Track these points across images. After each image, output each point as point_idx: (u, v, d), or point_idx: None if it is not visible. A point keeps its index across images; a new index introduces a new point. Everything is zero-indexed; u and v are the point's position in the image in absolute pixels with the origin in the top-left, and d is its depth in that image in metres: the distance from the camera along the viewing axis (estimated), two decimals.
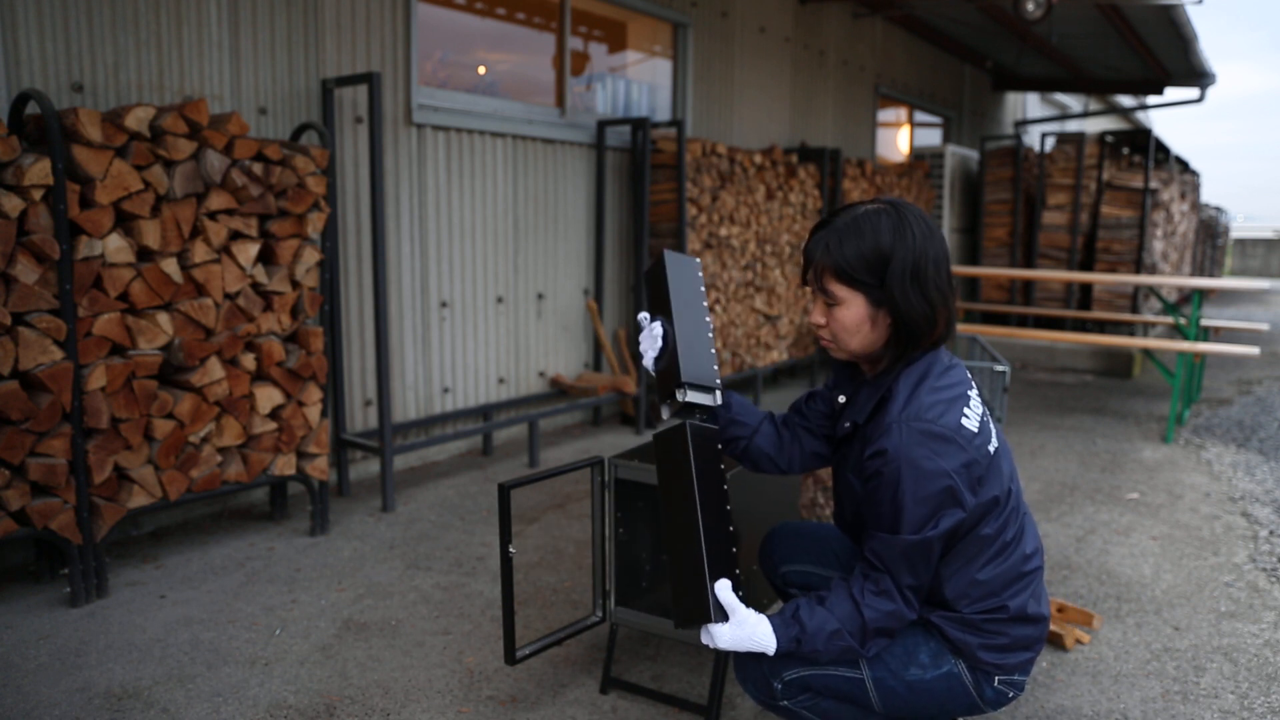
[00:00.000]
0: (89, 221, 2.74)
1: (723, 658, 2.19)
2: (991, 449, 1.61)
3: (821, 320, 1.65)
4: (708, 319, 1.85)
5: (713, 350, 1.82)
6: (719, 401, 1.80)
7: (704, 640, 1.58)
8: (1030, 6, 6.33)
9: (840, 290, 1.59)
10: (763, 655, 1.64)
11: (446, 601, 2.90)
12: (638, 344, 5.38)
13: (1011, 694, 1.71)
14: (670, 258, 1.84)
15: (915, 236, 1.55)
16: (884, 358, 1.64)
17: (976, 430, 1.56)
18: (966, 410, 1.57)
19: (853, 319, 1.60)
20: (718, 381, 1.81)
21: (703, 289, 1.87)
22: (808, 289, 1.68)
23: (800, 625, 1.57)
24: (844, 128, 8.12)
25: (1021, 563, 1.66)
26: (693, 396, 1.75)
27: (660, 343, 1.78)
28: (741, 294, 6.04)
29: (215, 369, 3.06)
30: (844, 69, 8.01)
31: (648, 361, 1.81)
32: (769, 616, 1.59)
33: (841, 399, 1.77)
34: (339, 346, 3.90)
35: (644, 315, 1.83)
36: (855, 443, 1.70)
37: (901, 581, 1.56)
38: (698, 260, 1.90)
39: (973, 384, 1.66)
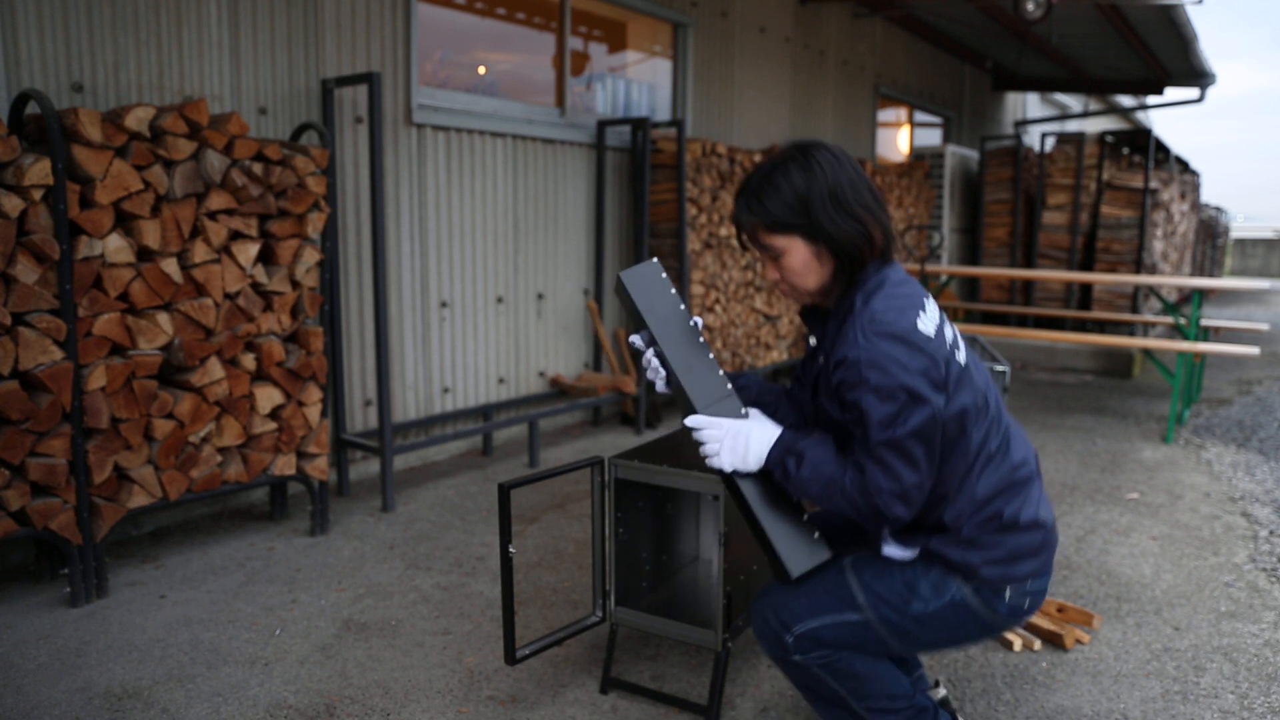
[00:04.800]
0: (89, 221, 2.74)
1: (723, 658, 2.19)
2: (960, 359, 1.66)
3: (775, 275, 1.73)
4: (691, 322, 1.83)
5: (709, 355, 1.82)
6: (742, 413, 1.79)
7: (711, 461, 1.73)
8: (1030, 6, 6.33)
9: (777, 240, 1.67)
10: (777, 608, 1.74)
11: (446, 601, 2.90)
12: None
13: (1028, 603, 1.72)
14: (628, 278, 1.81)
15: (823, 168, 1.63)
16: (837, 286, 1.70)
17: (933, 334, 1.61)
18: (922, 314, 1.62)
19: (799, 262, 1.67)
20: (728, 388, 1.80)
21: (673, 291, 1.84)
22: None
23: (798, 458, 1.66)
24: (844, 128, 8.12)
25: (1011, 472, 1.70)
26: (719, 413, 1.77)
27: (662, 369, 1.81)
28: (741, 294, 6.04)
29: (215, 369, 3.06)
30: (844, 69, 8.01)
31: (660, 389, 1.85)
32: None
33: (813, 341, 1.82)
34: (339, 346, 3.90)
35: (635, 339, 1.84)
36: (826, 368, 1.72)
37: (881, 485, 1.58)
38: (654, 262, 1.86)
39: (929, 297, 1.70)
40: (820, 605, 1.73)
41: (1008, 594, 1.69)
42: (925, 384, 1.56)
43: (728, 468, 1.72)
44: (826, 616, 1.71)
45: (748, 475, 1.73)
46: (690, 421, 1.75)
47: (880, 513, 1.61)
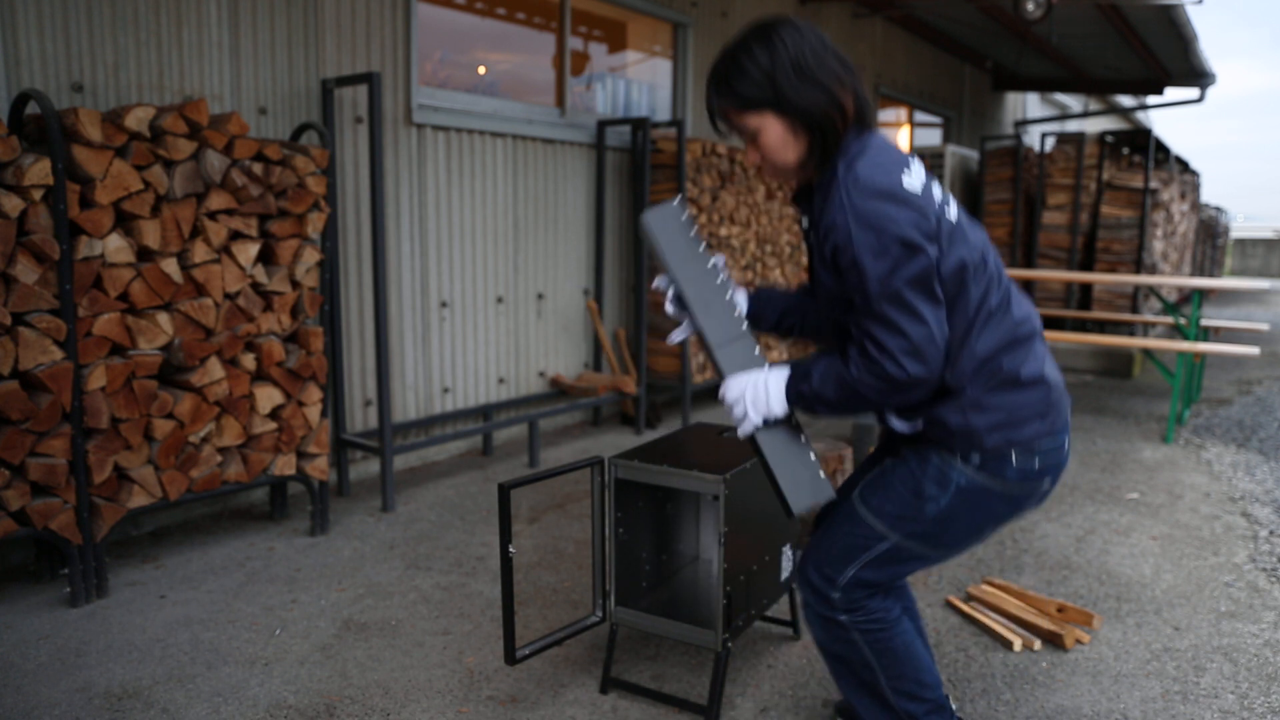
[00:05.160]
0: (89, 221, 2.74)
1: (723, 658, 2.19)
2: (951, 216, 1.66)
3: (755, 156, 1.73)
4: (711, 262, 1.85)
5: (726, 296, 1.82)
6: (757, 354, 1.81)
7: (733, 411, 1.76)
8: (1030, 6, 6.33)
9: (750, 119, 1.67)
10: (817, 564, 1.80)
11: (446, 601, 2.90)
12: (638, 344, 5.39)
13: (1038, 463, 1.69)
14: (649, 218, 1.83)
15: (785, 41, 1.63)
16: (816, 158, 1.69)
17: (919, 191, 1.60)
18: (906, 173, 1.61)
19: (775, 139, 1.67)
20: (743, 329, 1.82)
21: (694, 232, 1.85)
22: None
23: (806, 377, 1.69)
24: None
25: (1013, 328, 1.68)
26: (732, 356, 1.79)
27: (683, 311, 1.84)
28: None
29: (215, 369, 3.06)
30: None
31: (676, 339, 1.89)
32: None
33: (805, 223, 1.80)
34: (339, 346, 3.90)
35: (658, 281, 1.86)
36: (818, 240, 1.71)
37: (887, 344, 1.57)
38: (676, 202, 1.86)
39: (914, 160, 1.68)
40: (851, 548, 1.77)
41: (1014, 458, 1.67)
42: (918, 235, 1.55)
43: (760, 421, 1.73)
44: (861, 556, 1.76)
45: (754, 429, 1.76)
46: (722, 395, 1.77)
47: (896, 381, 1.58)
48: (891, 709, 1.86)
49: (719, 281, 1.83)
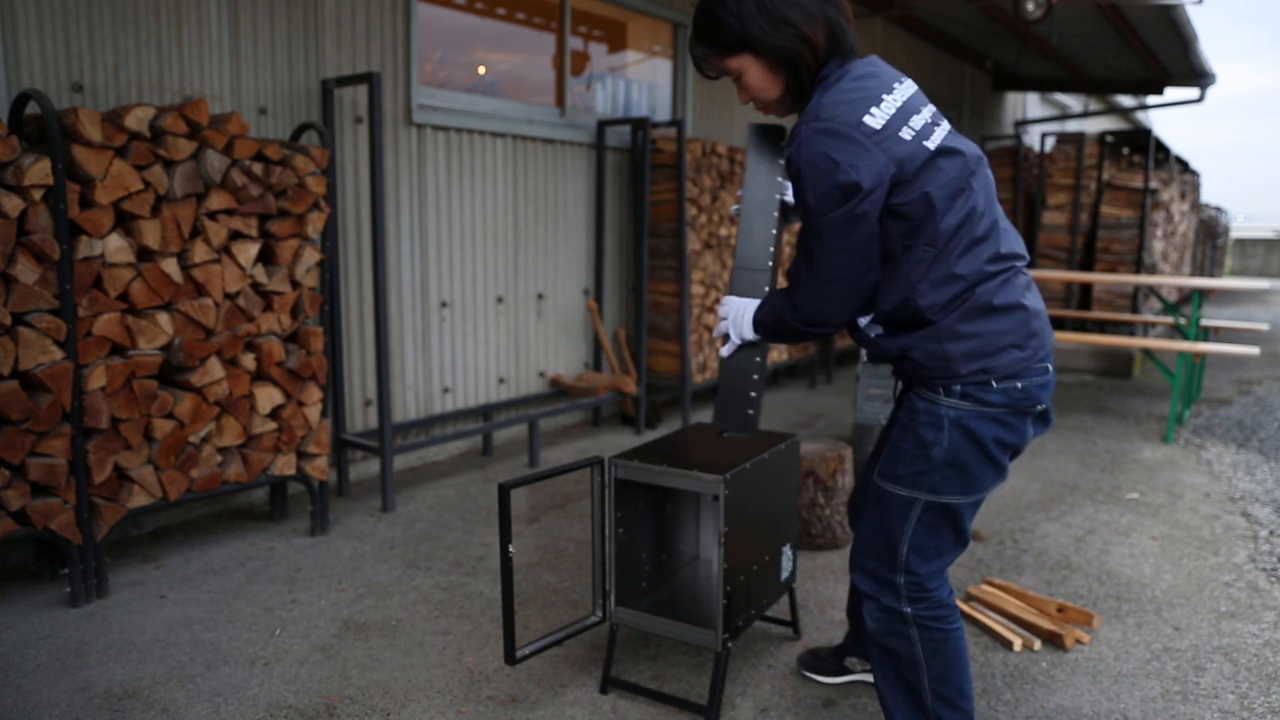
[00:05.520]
0: (89, 221, 2.74)
1: (723, 658, 2.19)
2: (930, 145, 1.68)
3: (745, 96, 1.84)
4: (778, 195, 1.98)
5: (772, 230, 1.98)
6: (765, 290, 1.96)
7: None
8: (1030, 6, 6.34)
9: (731, 63, 1.78)
10: (875, 555, 1.85)
11: (446, 601, 2.90)
12: (638, 344, 5.38)
13: (1021, 385, 1.72)
14: (753, 132, 1.98)
15: None
16: (794, 91, 1.78)
17: (880, 127, 1.63)
18: (873, 110, 1.64)
19: (758, 78, 1.77)
20: (768, 264, 1.98)
21: (779, 160, 1.97)
22: None
23: (764, 306, 1.90)
24: None
25: (995, 259, 1.72)
26: (742, 280, 2.00)
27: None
28: None
29: (215, 369, 3.06)
30: None
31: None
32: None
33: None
34: (339, 346, 3.90)
35: (734, 210, 2.03)
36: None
37: (804, 279, 1.73)
38: (781, 127, 1.98)
39: (894, 88, 1.71)
40: (891, 524, 1.82)
41: (995, 386, 1.71)
42: (863, 175, 1.60)
43: (735, 338, 1.96)
44: (903, 528, 1.80)
45: (740, 347, 1.99)
46: (719, 309, 2.01)
47: (804, 316, 1.76)
48: (925, 713, 1.86)
49: (773, 215, 1.99)
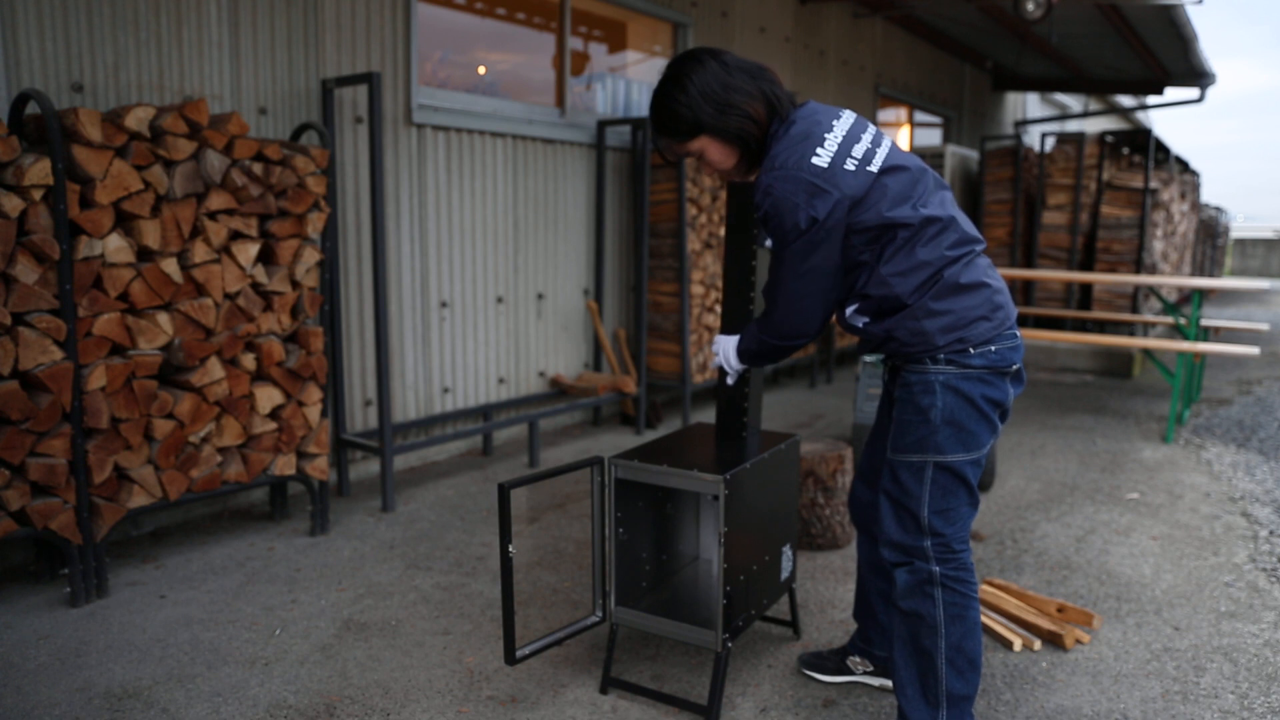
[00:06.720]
0: (89, 221, 2.74)
1: (723, 658, 2.19)
2: (873, 168, 1.88)
3: (708, 170, 2.05)
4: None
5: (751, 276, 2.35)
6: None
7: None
8: (1030, 6, 6.34)
9: (691, 145, 1.99)
10: (901, 527, 1.98)
11: (446, 601, 2.90)
12: (638, 344, 5.38)
13: (995, 348, 1.90)
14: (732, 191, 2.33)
15: (692, 79, 1.91)
16: (749, 158, 2.00)
17: (827, 164, 1.85)
18: (819, 150, 1.86)
19: (716, 153, 1.99)
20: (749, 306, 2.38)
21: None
22: None
23: (745, 334, 2.19)
24: None
25: (956, 245, 1.91)
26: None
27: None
28: None
29: (215, 369, 3.06)
30: (844, 69, 8.01)
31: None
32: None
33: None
34: (339, 346, 3.90)
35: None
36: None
37: (776, 302, 1.99)
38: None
39: (833, 126, 1.91)
40: (909, 491, 1.96)
41: (972, 351, 1.90)
42: (817, 209, 1.83)
43: (727, 369, 2.30)
44: (920, 491, 1.95)
45: (736, 378, 2.34)
46: (711, 346, 2.36)
47: (788, 335, 2.01)
48: (936, 680, 1.96)
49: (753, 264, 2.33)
